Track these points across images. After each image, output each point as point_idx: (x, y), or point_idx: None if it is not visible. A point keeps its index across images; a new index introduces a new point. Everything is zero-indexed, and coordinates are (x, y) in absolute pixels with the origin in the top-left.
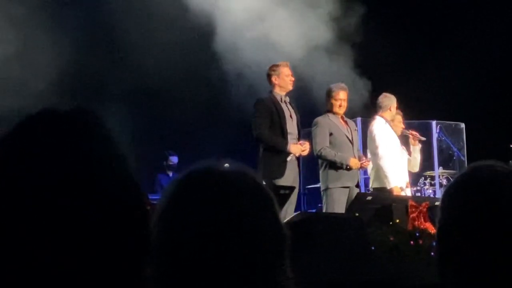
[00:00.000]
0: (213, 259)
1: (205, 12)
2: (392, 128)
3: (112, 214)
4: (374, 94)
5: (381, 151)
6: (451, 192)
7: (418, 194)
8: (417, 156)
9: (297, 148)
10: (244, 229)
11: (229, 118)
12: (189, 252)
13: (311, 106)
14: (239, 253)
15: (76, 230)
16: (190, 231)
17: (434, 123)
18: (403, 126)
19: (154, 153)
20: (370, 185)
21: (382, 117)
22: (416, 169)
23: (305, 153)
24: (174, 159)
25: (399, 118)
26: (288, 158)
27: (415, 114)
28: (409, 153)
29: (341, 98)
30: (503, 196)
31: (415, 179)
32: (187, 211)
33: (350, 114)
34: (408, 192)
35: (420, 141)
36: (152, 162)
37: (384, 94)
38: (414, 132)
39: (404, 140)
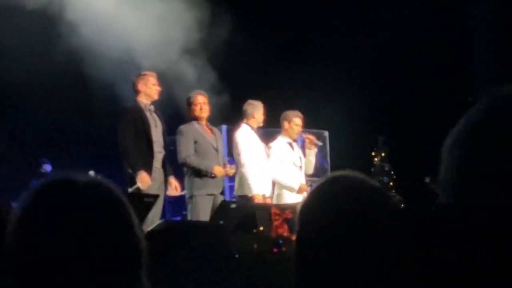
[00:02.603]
0: (65, 271)
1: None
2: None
3: None
4: (240, 102)
5: (243, 158)
6: (307, 201)
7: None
8: (312, 160)
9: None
10: (97, 241)
11: (98, 124)
12: (41, 264)
13: (175, 114)
14: (92, 265)
15: None
16: (42, 242)
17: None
18: (300, 129)
19: (27, 159)
20: (235, 192)
21: (247, 124)
22: (310, 171)
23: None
24: (47, 167)
25: (297, 121)
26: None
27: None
28: (305, 156)
29: (200, 102)
30: (358, 207)
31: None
32: (39, 222)
33: (215, 121)
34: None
35: (316, 145)
36: (28, 168)
37: (249, 101)
38: (310, 136)
39: (302, 143)
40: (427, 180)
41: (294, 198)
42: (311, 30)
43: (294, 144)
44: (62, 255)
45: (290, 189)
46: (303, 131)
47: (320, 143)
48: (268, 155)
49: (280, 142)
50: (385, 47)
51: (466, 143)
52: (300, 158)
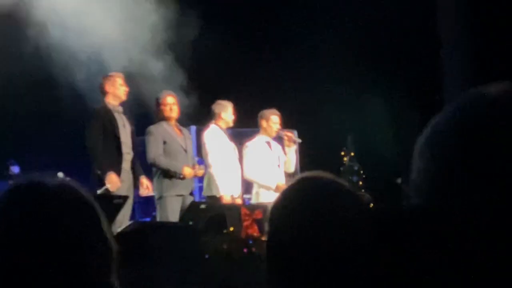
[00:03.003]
0: (35, 275)
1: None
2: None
3: None
4: (210, 102)
5: (211, 159)
6: (278, 203)
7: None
8: (291, 158)
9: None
10: (67, 244)
11: (65, 126)
12: (11, 268)
13: (143, 114)
14: (62, 269)
15: None
16: (12, 246)
17: None
18: (279, 127)
19: None
20: (203, 193)
21: (216, 124)
22: (291, 170)
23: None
24: (14, 169)
25: (274, 119)
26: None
27: (248, 122)
28: (285, 154)
29: (169, 103)
30: (328, 208)
31: (248, 187)
32: (9, 225)
33: (184, 122)
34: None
35: (295, 142)
36: None
37: (218, 101)
38: (289, 134)
39: (280, 141)
40: (399, 181)
41: (272, 197)
42: (280, 30)
43: (272, 142)
44: (32, 258)
45: (267, 188)
46: (281, 129)
47: (299, 140)
48: (237, 156)
49: (257, 141)
50: (353, 45)
51: (436, 144)
52: (279, 157)
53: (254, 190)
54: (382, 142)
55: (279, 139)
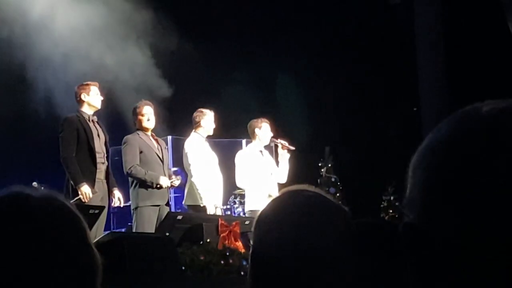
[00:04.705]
0: None
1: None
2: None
3: None
4: (187, 111)
5: (192, 168)
6: (263, 215)
7: (228, 212)
8: (284, 167)
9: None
10: (53, 257)
11: (36, 134)
12: None
13: (119, 123)
14: (48, 282)
15: None
16: None
17: (244, 141)
18: (272, 134)
19: None
20: (184, 202)
21: (197, 133)
22: (283, 179)
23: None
24: None
25: (266, 126)
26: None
27: (226, 132)
28: (277, 163)
29: (147, 113)
30: (312, 221)
31: (225, 197)
32: None
33: (161, 132)
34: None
35: (289, 149)
36: None
37: (199, 109)
38: (282, 141)
39: (273, 149)
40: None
41: (264, 203)
42: (257, 40)
43: (264, 151)
44: (17, 273)
45: (256, 195)
46: (274, 137)
47: (292, 148)
48: (217, 165)
49: (250, 149)
50: (330, 57)
51: (430, 160)
52: (271, 165)
53: (246, 199)
54: (359, 153)
55: (271, 148)
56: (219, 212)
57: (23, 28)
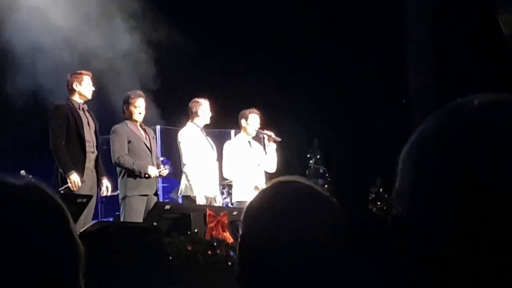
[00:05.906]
0: (3, 278)
1: None
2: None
3: None
4: (177, 101)
5: (185, 158)
6: (252, 206)
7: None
8: (272, 157)
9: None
10: (36, 246)
11: (23, 122)
12: None
13: (109, 113)
14: (30, 271)
15: None
16: None
17: (232, 132)
18: (258, 126)
19: None
20: (179, 193)
21: (193, 123)
22: (272, 169)
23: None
24: None
25: (254, 117)
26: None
27: (215, 122)
28: (266, 154)
29: (139, 105)
30: (302, 212)
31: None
32: None
33: (150, 121)
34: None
35: (275, 140)
36: None
37: (195, 99)
38: (269, 132)
39: (262, 140)
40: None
41: (251, 196)
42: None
43: (253, 142)
44: (1, 261)
45: (243, 186)
46: (261, 128)
47: (278, 139)
48: (216, 155)
49: (237, 140)
50: (320, 49)
51: (419, 153)
52: (259, 156)
53: (233, 189)
54: (348, 144)
55: (259, 138)
56: (219, 203)
57: (15, 15)
